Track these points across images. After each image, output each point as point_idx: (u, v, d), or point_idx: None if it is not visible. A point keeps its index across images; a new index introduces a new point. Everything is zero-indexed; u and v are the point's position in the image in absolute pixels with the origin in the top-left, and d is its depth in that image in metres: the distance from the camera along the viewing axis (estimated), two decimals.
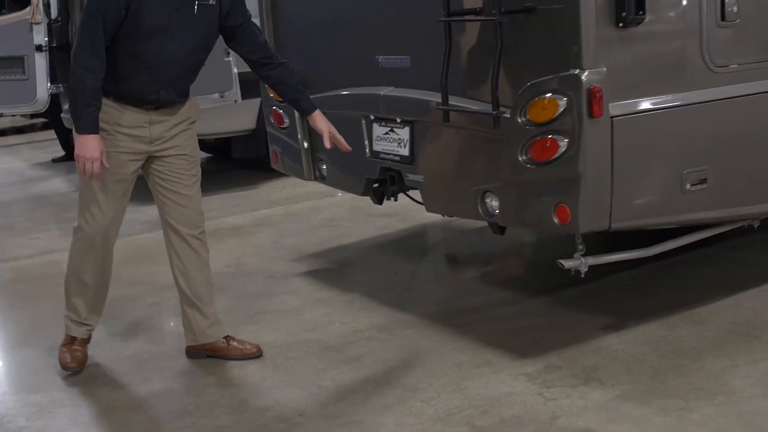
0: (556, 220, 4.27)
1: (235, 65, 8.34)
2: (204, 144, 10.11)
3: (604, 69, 4.08)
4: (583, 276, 4.60)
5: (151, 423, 4.25)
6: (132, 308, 5.51)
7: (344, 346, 4.91)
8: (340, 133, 4.92)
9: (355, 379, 4.50)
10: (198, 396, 4.46)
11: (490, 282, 5.81)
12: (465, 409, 4.10)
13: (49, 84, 9.62)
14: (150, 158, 4.65)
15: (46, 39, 9.54)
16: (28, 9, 9.76)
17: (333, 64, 5.57)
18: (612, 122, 4.12)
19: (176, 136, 4.64)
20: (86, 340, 4.93)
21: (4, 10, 10.76)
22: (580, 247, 4.49)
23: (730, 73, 4.51)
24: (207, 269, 4.89)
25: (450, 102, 4.59)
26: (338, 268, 6.28)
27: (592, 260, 4.52)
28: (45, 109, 10.02)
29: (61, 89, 9.79)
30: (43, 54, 9.55)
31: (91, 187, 4.54)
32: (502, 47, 4.25)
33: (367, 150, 5.31)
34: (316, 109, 4.69)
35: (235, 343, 4.89)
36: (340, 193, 8.39)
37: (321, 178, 5.81)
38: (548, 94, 4.17)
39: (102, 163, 4.37)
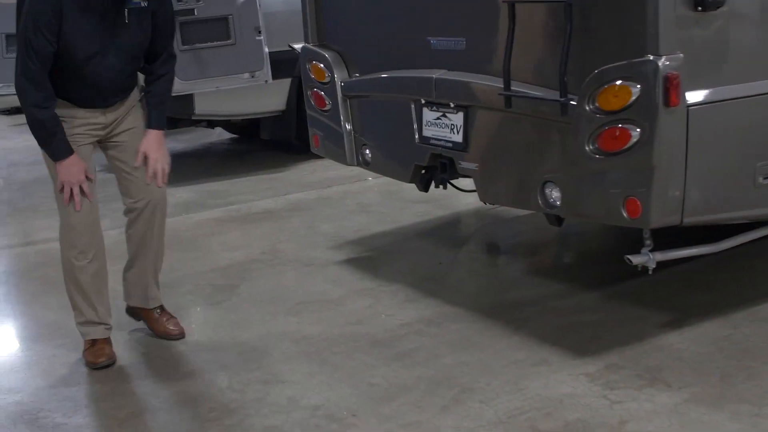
0: (625, 214, 4.05)
1: (266, 44, 8.11)
2: (230, 124, 9.93)
3: (681, 55, 3.85)
4: (650, 272, 4.39)
5: (195, 421, 4.06)
6: (167, 298, 5.30)
7: (392, 340, 4.71)
8: (387, 116, 4.79)
9: (407, 377, 4.30)
10: (243, 393, 4.27)
11: (539, 274, 5.59)
12: (526, 411, 3.90)
13: None
14: (107, 144, 4.67)
15: None
16: None
17: (379, 45, 5.35)
18: (688, 111, 3.90)
19: (128, 118, 4.65)
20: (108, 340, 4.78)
21: None
22: (648, 242, 4.28)
23: None
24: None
25: (512, 87, 4.36)
26: (379, 257, 6.08)
27: (660, 256, 4.31)
28: None
29: None
30: None
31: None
32: (571, 30, 4.02)
33: (417, 135, 5.10)
34: (157, 129, 4.66)
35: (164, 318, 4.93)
36: (370, 177, 8.19)
37: (364, 164, 5.60)
38: (619, 81, 3.95)
39: (88, 177, 4.46)
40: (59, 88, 4.39)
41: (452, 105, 4.83)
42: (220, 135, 10.82)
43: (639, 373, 4.15)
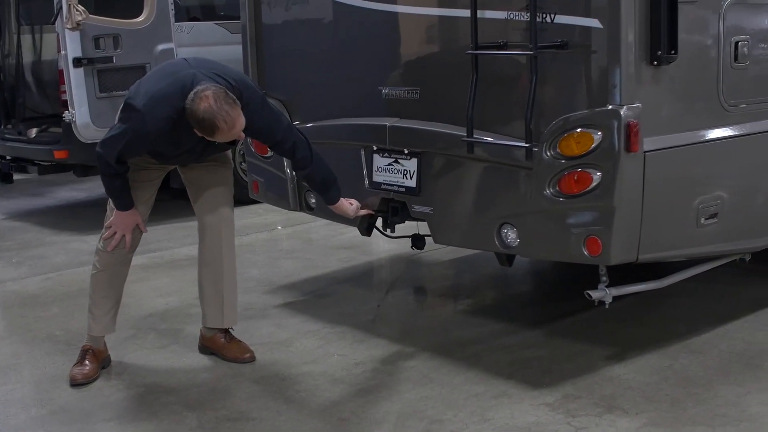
0: (585, 252, 4.34)
1: None
2: None
3: (640, 105, 4.17)
4: (607, 306, 4.69)
5: None
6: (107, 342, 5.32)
7: (351, 378, 4.87)
8: (333, 163, 4.97)
9: (375, 412, 4.45)
10: (216, 431, 4.35)
11: (477, 314, 5.84)
12: None
13: None
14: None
15: None
16: None
17: (325, 94, 5.55)
18: (645, 157, 4.22)
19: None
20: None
21: None
22: (605, 278, 4.58)
23: (741, 112, 4.67)
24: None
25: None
26: (316, 300, 6.23)
27: (616, 291, 4.61)
28: None
29: None
30: None
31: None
32: (537, 81, 4.30)
33: (366, 181, 5.30)
34: (333, 203, 5.05)
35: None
36: (280, 226, 8.36)
37: (308, 209, 5.76)
38: (580, 129, 4.25)
39: (139, 228, 4.89)
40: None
41: (406, 151, 5.05)
42: None
43: (595, 402, 4.42)
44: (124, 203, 4.78)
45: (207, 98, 4.28)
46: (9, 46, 9.48)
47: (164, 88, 4.44)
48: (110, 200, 4.85)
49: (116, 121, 4.58)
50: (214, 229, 5.00)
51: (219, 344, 5.17)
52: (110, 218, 4.86)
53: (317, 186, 5.01)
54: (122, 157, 4.55)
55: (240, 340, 5.20)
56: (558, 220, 4.41)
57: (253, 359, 5.12)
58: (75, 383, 4.87)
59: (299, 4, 5.56)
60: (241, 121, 4.39)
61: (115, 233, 4.83)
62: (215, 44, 8.60)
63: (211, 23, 8.97)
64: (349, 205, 5.08)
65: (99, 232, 4.96)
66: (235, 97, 4.36)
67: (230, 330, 5.22)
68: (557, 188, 4.36)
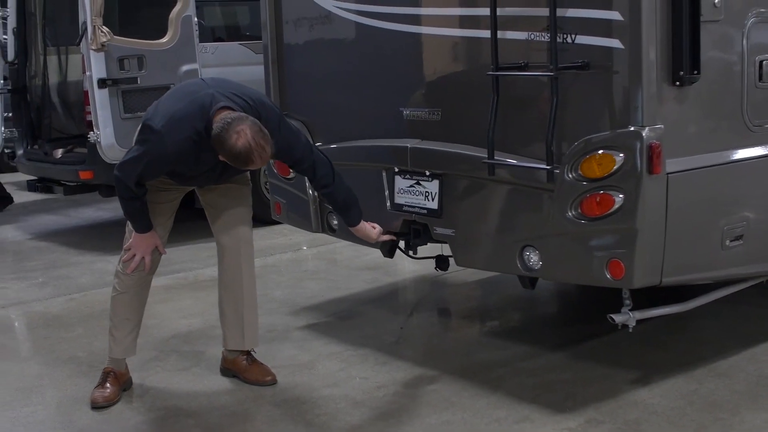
0: (608, 275, 4.29)
1: None
2: None
3: (662, 126, 4.12)
4: (630, 330, 4.63)
5: None
6: (130, 364, 5.32)
7: (372, 401, 4.83)
8: (355, 185, 4.96)
9: None
10: None
11: (500, 336, 5.80)
12: None
13: (2, 128, 9.37)
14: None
15: (1, 82, 9.31)
16: None
17: (347, 115, 5.53)
18: (668, 178, 4.16)
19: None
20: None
21: None
22: (628, 301, 4.52)
23: (766, 132, 4.61)
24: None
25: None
26: (338, 322, 6.19)
27: (639, 315, 4.55)
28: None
29: (15, 134, 9.54)
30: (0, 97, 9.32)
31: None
32: (557, 102, 4.27)
33: (388, 203, 5.27)
34: (355, 224, 5.00)
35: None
36: (305, 246, 8.34)
37: (330, 230, 5.74)
38: (601, 150, 4.20)
39: (159, 249, 4.88)
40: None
41: (427, 173, 5.02)
42: None
43: (619, 427, 4.36)
44: (143, 225, 4.76)
45: (245, 134, 4.21)
46: (35, 67, 9.54)
47: (183, 108, 4.43)
48: (128, 222, 4.84)
49: (134, 143, 4.58)
50: (234, 251, 4.99)
51: (241, 366, 5.15)
52: (129, 240, 4.85)
53: (338, 206, 4.97)
54: (141, 180, 4.54)
55: (261, 363, 5.17)
56: (580, 243, 4.37)
57: (274, 382, 5.09)
58: (96, 406, 4.86)
59: (321, 25, 5.54)
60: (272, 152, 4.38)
61: (135, 255, 4.82)
62: (239, 64, 8.62)
63: (235, 43, 9.01)
64: (371, 228, 5.05)
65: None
66: (267, 132, 4.32)
67: (252, 352, 5.19)
68: (579, 210, 4.31)
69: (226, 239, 5.00)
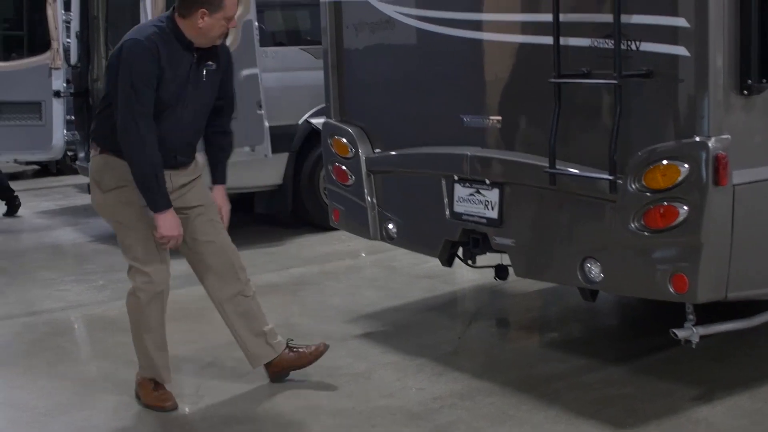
0: (671, 289, 4.18)
1: (266, 119, 8.20)
2: None
3: (729, 136, 4.00)
4: (693, 346, 4.50)
5: None
6: (188, 371, 5.30)
7: (429, 413, 4.75)
8: (414, 192, 4.94)
9: None
10: None
11: (559, 348, 5.69)
12: None
13: (65, 131, 9.45)
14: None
15: (65, 85, 9.38)
16: (48, 54, 9.60)
17: (406, 122, 5.47)
18: (734, 190, 4.05)
19: (193, 189, 4.92)
20: None
21: (14, 55, 10.62)
22: (691, 316, 4.40)
23: None
24: None
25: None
26: (396, 331, 6.12)
27: (703, 330, 4.43)
28: (60, 157, 9.84)
29: (77, 136, 9.62)
30: (62, 100, 9.39)
31: (138, 242, 4.78)
32: (621, 111, 4.17)
33: (447, 211, 5.20)
34: (223, 183, 5.10)
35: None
36: (363, 253, 8.28)
37: (388, 239, 5.68)
38: (665, 161, 4.10)
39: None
40: None
41: (487, 182, 4.94)
42: None
43: None
44: (165, 198, 4.62)
45: None
46: (97, 71, 9.59)
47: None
48: (147, 203, 4.64)
49: (121, 81, 4.51)
50: (226, 263, 4.97)
51: (289, 360, 5.13)
52: (134, 250, 4.78)
53: (225, 155, 5.19)
54: (143, 107, 4.48)
55: (301, 347, 5.20)
56: (643, 256, 4.26)
57: (327, 346, 5.23)
58: (159, 409, 4.85)
59: (381, 30, 5.49)
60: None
61: (170, 239, 4.69)
62: (300, 69, 8.61)
63: (296, 48, 8.96)
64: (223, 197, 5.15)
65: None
66: None
67: (288, 342, 5.16)
68: (642, 222, 4.21)
69: (214, 259, 4.97)
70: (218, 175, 5.10)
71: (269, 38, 8.86)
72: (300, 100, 8.65)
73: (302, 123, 8.79)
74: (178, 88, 4.59)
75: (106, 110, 4.66)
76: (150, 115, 4.51)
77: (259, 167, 8.49)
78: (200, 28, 4.54)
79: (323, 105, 8.57)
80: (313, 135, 8.67)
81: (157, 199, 4.59)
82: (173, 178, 4.75)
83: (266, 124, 8.21)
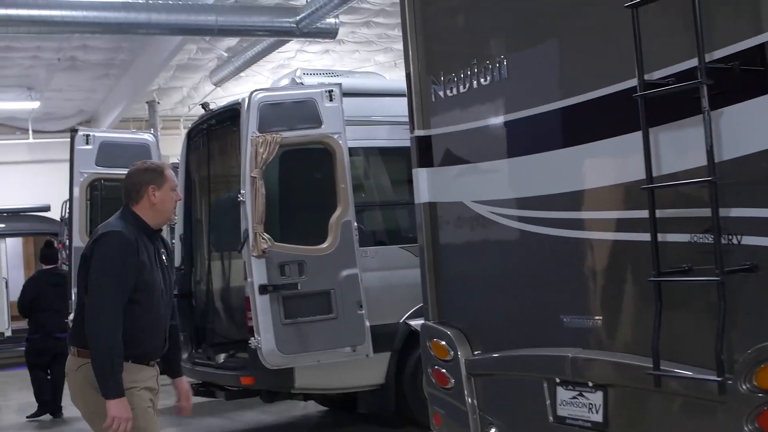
0: None
1: (367, 318, 8.15)
2: (325, 397, 9.84)
3: None
4: None
5: None
6: None
7: None
8: (515, 395, 4.89)
9: None
10: None
11: None
12: None
13: None
14: None
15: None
16: None
17: (504, 323, 5.34)
18: None
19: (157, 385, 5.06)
20: None
21: None
22: None
23: None
24: None
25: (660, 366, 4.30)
26: None
27: None
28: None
29: (181, 338, 9.69)
30: None
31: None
32: (725, 308, 3.99)
33: (550, 415, 5.00)
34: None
35: None
36: None
37: None
38: None
39: None
40: (131, 342, 4.73)
41: (590, 384, 4.75)
42: (305, 408, 10.75)
43: None
44: (120, 384, 4.66)
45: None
46: (200, 273, 9.73)
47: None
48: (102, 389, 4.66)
49: (99, 266, 4.73)
50: None
51: None
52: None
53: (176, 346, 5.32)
54: (119, 298, 4.65)
55: None
56: None
57: None
58: None
59: (477, 230, 5.46)
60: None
61: (120, 423, 4.64)
62: (400, 268, 8.58)
63: (395, 247, 8.95)
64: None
65: None
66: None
67: None
68: (756, 425, 3.97)
69: None
70: (179, 369, 5.36)
71: (370, 238, 8.88)
72: (401, 298, 8.59)
73: (403, 322, 8.69)
74: (151, 275, 4.83)
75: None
76: (121, 308, 4.68)
77: (361, 367, 8.41)
78: (155, 204, 4.87)
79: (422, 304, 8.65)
80: (414, 334, 8.59)
81: (114, 384, 4.64)
82: (154, 369, 4.98)
83: (367, 323, 8.15)
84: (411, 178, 9.21)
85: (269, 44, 14.98)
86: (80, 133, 9.62)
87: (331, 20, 13.35)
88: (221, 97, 17.22)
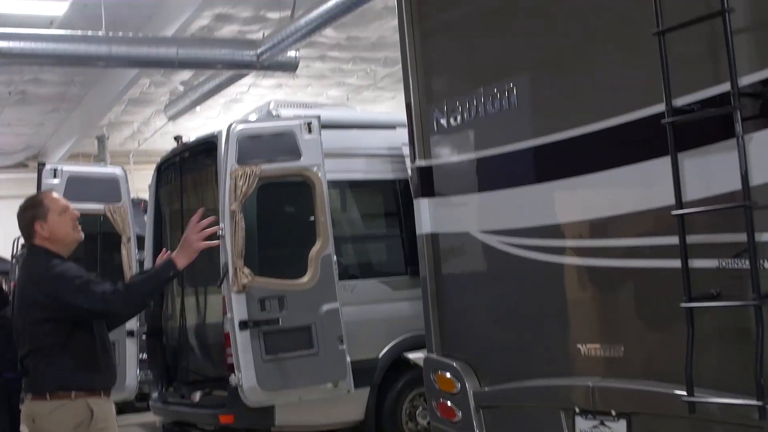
0: None
1: (348, 354, 8.02)
2: None
3: None
4: None
5: None
6: None
7: None
8: (530, 426, 4.86)
9: None
10: None
11: None
12: None
13: (137, 371, 9.32)
14: None
15: (137, 325, 9.31)
16: None
17: (515, 353, 5.28)
18: None
19: None
20: None
21: None
22: None
23: None
24: None
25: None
26: None
27: None
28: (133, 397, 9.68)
29: (149, 376, 9.50)
30: (134, 340, 9.28)
31: None
32: (763, 332, 3.97)
33: None
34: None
35: None
36: None
37: None
38: None
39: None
40: (93, 370, 4.76)
41: (613, 413, 4.69)
42: None
43: None
44: (165, 272, 4.90)
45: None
46: (172, 309, 9.53)
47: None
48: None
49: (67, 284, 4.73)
50: None
51: None
52: None
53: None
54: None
55: None
56: None
57: None
58: None
59: (487, 259, 5.39)
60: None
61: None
62: (378, 302, 8.53)
63: (374, 281, 8.85)
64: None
65: None
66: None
67: None
68: None
69: None
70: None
71: (347, 271, 8.77)
72: (380, 332, 8.50)
73: (382, 356, 8.58)
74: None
75: (54, 349, 4.71)
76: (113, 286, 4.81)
77: (341, 403, 8.28)
78: (48, 237, 4.81)
79: (402, 337, 8.52)
80: (393, 368, 8.50)
81: (163, 278, 4.93)
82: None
83: (348, 358, 8.03)
84: (388, 211, 9.23)
85: (226, 78, 14.85)
86: (48, 166, 9.36)
87: (292, 53, 13.26)
88: (170, 132, 16.98)
